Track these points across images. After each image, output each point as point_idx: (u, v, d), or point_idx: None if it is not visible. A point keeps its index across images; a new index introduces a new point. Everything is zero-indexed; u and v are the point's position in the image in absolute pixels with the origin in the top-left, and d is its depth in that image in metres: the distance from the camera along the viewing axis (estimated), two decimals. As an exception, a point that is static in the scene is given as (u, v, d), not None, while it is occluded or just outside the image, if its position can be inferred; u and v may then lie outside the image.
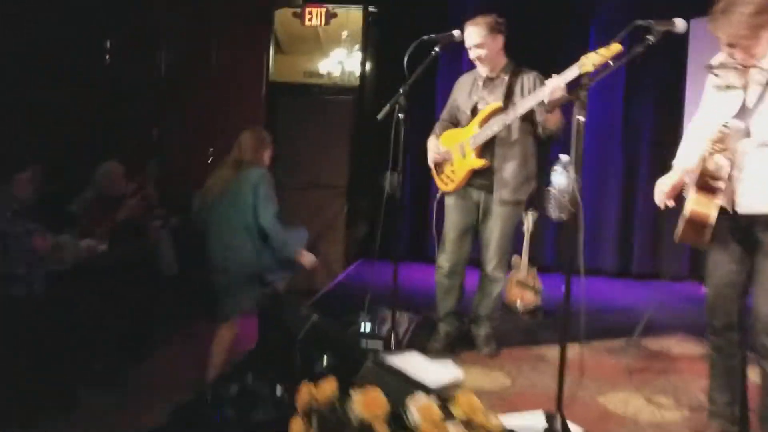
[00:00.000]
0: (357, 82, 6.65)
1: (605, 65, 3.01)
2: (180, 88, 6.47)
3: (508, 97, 3.47)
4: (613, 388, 3.08)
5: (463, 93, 3.62)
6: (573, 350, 3.49)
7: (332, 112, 6.62)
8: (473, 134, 3.46)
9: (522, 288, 4.48)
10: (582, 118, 2.18)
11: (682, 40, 5.63)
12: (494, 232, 3.55)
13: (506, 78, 3.51)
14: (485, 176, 3.50)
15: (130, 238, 4.58)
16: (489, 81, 3.52)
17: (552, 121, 3.38)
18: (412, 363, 3.13)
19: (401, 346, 3.31)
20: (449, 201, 3.62)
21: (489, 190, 3.51)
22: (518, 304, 4.47)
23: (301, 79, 6.78)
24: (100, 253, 4.29)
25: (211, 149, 6.15)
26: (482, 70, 3.53)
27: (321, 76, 6.82)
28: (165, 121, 6.49)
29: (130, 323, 4.32)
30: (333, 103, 6.63)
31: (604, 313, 4.61)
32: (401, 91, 3.20)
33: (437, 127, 3.70)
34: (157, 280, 4.76)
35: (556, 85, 3.09)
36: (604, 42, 2.80)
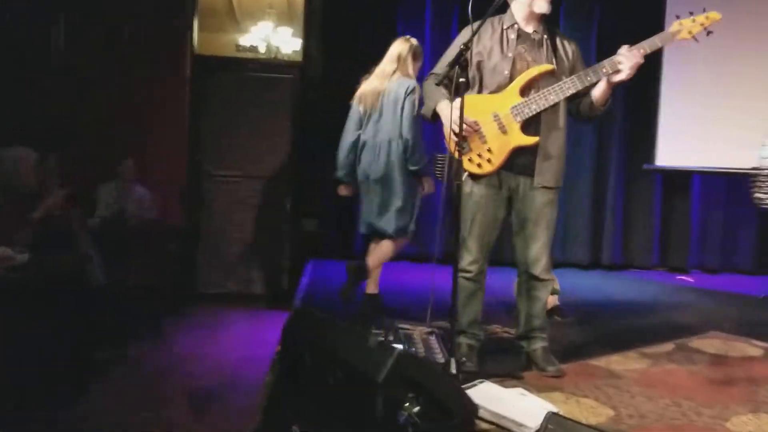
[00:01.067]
0: (299, 58, 5.83)
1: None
2: (83, 66, 5.40)
3: (556, 61, 2.88)
4: (725, 408, 2.57)
5: (489, 46, 2.89)
6: (633, 361, 3.19)
7: (271, 92, 5.76)
8: (515, 103, 2.82)
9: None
10: None
11: (657, 29, 5.37)
12: (540, 225, 2.93)
13: (546, 37, 2.92)
14: (526, 156, 2.86)
15: (57, 245, 3.57)
16: (526, 36, 2.89)
17: (604, 98, 2.86)
18: (497, 397, 2.49)
19: (464, 373, 2.63)
20: (475, 189, 2.90)
21: (529, 173, 2.89)
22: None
23: (233, 53, 5.88)
24: (20, 265, 3.27)
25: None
26: (522, 20, 2.90)
27: (257, 50, 5.94)
28: (66, 106, 5.39)
29: (61, 353, 3.37)
30: (271, 82, 5.77)
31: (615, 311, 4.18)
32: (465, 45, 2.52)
33: (436, 87, 2.87)
34: (90, 296, 3.79)
35: (641, 53, 2.63)
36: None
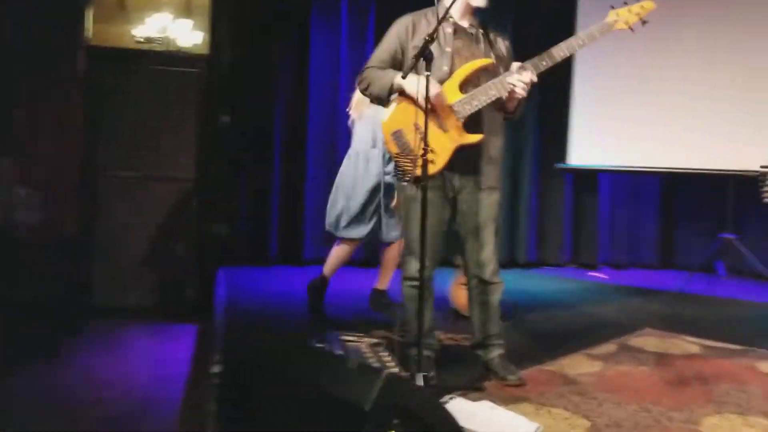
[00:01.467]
0: (207, 51, 5.42)
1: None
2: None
3: (494, 56, 2.79)
4: (692, 411, 2.55)
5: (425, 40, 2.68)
6: (583, 364, 3.13)
7: (175, 87, 5.31)
8: (456, 100, 2.69)
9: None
10: None
11: (569, 25, 5.47)
12: (489, 227, 2.83)
13: (481, 31, 2.82)
14: (469, 156, 2.75)
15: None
16: (462, 31, 2.78)
17: (512, 108, 2.82)
18: (472, 414, 2.33)
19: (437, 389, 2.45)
20: (420, 192, 2.74)
21: (474, 173, 2.78)
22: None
23: (132, 45, 5.38)
24: None
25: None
26: (458, 14, 2.79)
27: (158, 42, 5.48)
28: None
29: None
30: (176, 76, 5.32)
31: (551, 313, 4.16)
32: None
33: (387, 69, 2.75)
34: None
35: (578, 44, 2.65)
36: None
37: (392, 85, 2.70)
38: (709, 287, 5.11)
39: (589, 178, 5.96)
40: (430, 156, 2.65)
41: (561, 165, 5.79)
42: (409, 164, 2.64)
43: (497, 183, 2.85)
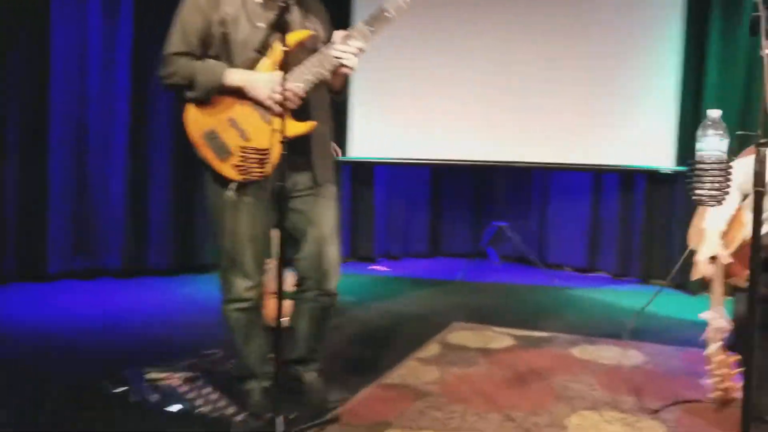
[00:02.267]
0: None
1: None
2: None
3: (313, 27, 2.40)
4: (551, 412, 2.48)
5: (232, 13, 2.27)
6: (419, 371, 2.91)
7: None
8: None
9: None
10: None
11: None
12: (330, 229, 2.48)
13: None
14: (299, 148, 2.32)
15: None
16: (272, 3, 2.28)
17: (339, 86, 2.48)
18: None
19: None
20: (244, 198, 2.28)
21: (306, 168, 2.40)
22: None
23: None
24: None
25: None
26: None
27: None
28: None
29: None
30: None
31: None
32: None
33: (206, 60, 2.26)
34: None
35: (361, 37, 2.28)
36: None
37: (222, 81, 2.22)
38: (486, 274, 5.32)
39: (365, 170, 5.85)
40: (263, 153, 2.23)
41: (340, 158, 5.58)
42: (255, 166, 2.18)
43: (333, 177, 2.50)
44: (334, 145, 2.61)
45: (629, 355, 3.21)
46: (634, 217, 5.20)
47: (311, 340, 2.53)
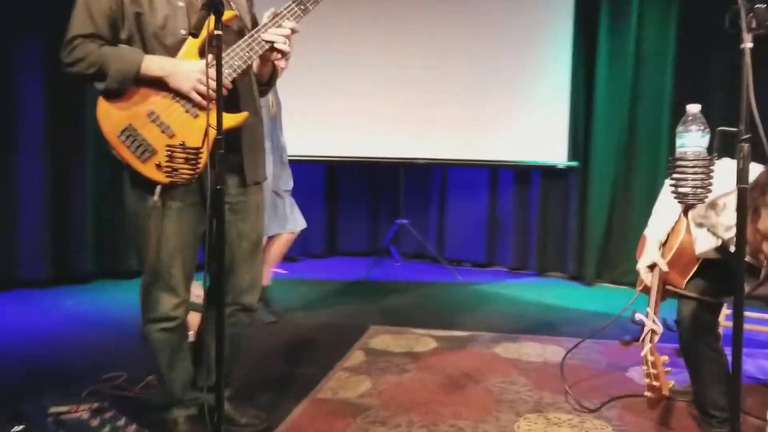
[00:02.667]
0: None
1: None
2: None
3: (236, 7, 2.13)
4: (497, 418, 2.39)
5: None
6: (349, 381, 2.75)
7: None
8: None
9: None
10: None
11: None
12: (253, 238, 2.24)
13: None
14: (228, 144, 2.10)
15: None
16: None
17: (267, 73, 2.24)
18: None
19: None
20: (172, 203, 2.02)
21: (236, 169, 2.14)
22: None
23: None
24: None
25: None
26: None
27: None
28: None
29: None
30: None
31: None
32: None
33: (120, 46, 1.98)
34: None
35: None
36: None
37: (138, 70, 1.93)
38: (389, 272, 5.22)
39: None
40: (192, 152, 1.97)
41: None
42: (184, 166, 1.90)
43: (264, 175, 2.26)
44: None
45: (551, 351, 3.21)
46: (530, 211, 5.29)
47: (226, 363, 2.28)
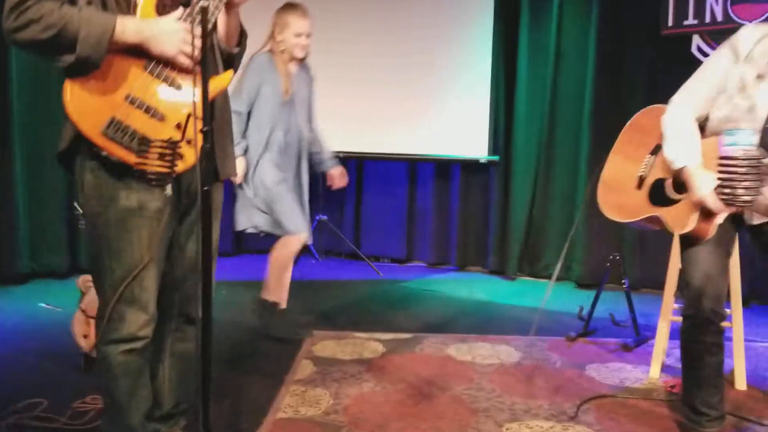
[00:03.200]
0: None
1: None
2: None
3: None
4: (475, 428, 2.24)
5: None
6: (304, 397, 2.49)
7: None
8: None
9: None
10: None
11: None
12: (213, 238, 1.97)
13: None
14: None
15: None
16: None
17: (234, 33, 1.88)
18: None
19: None
20: (149, 203, 1.71)
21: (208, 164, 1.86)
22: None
23: None
24: None
25: None
26: None
27: None
28: None
29: None
30: None
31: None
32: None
33: (84, 7, 1.60)
34: None
35: None
36: None
37: (112, 37, 1.58)
38: (306, 270, 4.96)
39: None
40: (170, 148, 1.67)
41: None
42: (159, 162, 1.59)
43: (235, 170, 1.98)
44: None
45: (504, 351, 3.12)
46: (450, 206, 5.22)
47: (177, 387, 1.98)
